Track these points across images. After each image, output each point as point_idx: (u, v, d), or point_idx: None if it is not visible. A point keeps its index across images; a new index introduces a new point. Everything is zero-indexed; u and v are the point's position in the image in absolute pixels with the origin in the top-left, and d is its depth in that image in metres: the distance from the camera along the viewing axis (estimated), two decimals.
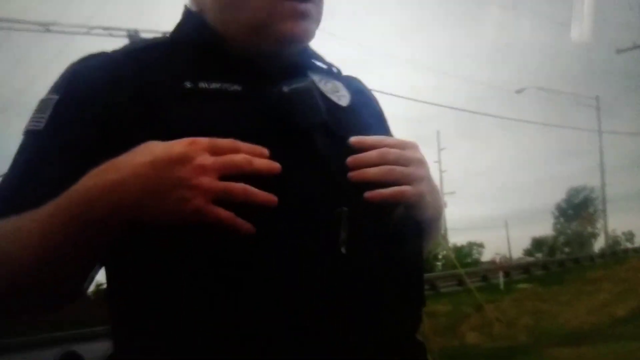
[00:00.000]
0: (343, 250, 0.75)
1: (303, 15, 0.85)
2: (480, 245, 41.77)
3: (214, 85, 0.81)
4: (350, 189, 0.78)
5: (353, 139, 0.82)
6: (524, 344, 8.13)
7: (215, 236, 0.71)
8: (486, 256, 35.27)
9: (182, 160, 0.70)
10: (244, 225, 0.71)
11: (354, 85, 0.97)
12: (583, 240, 43.68)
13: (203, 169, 0.70)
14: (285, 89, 0.81)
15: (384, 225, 0.80)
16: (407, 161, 0.83)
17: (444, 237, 16.68)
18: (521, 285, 14.62)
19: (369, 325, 0.76)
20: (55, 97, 0.81)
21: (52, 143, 0.79)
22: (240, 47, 0.86)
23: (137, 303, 0.77)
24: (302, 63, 0.92)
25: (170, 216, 0.70)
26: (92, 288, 0.85)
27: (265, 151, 0.75)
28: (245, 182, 0.72)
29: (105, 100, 0.78)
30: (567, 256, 30.80)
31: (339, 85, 0.93)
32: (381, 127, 0.97)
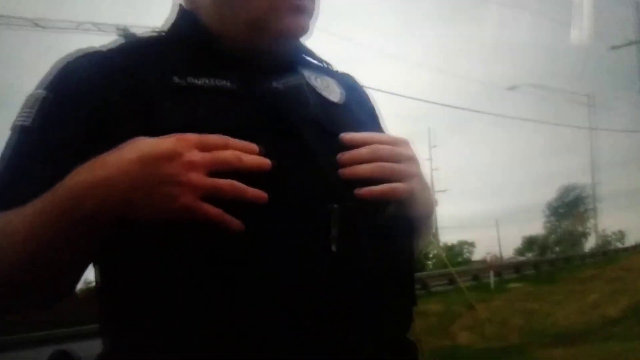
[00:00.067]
0: (334, 247, 0.74)
1: (301, 10, 0.85)
2: (472, 245, 42.00)
3: (205, 81, 0.80)
4: (341, 185, 0.78)
5: (344, 136, 0.81)
6: (515, 344, 8.16)
7: (206, 233, 0.71)
8: (477, 255, 35.44)
9: (170, 156, 0.69)
10: (233, 222, 0.71)
11: (346, 82, 0.96)
12: (574, 239, 43.86)
13: (191, 165, 0.69)
14: (277, 85, 0.80)
15: (375, 222, 0.79)
16: (399, 158, 0.83)
17: (435, 235, 16.72)
18: (512, 285, 14.69)
19: (360, 323, 0.76)
20: (45, 92, 0.80)
21: (43, 139, 0.78)
22: (234, 44, 0.85)
23: (129, 301, 0.76)
24: (295, 59, 0.91)
25: (158, 213, 0.70)
26: (80, 286, 0.84)
27: (256, 147, 0.74)
28: (237, 179, 0.71)
29: (97, 97, 0.78)
30: (558, 255, 30.93)
31: (331, 81, 0.93)
32: (374, 123, 0.96)
